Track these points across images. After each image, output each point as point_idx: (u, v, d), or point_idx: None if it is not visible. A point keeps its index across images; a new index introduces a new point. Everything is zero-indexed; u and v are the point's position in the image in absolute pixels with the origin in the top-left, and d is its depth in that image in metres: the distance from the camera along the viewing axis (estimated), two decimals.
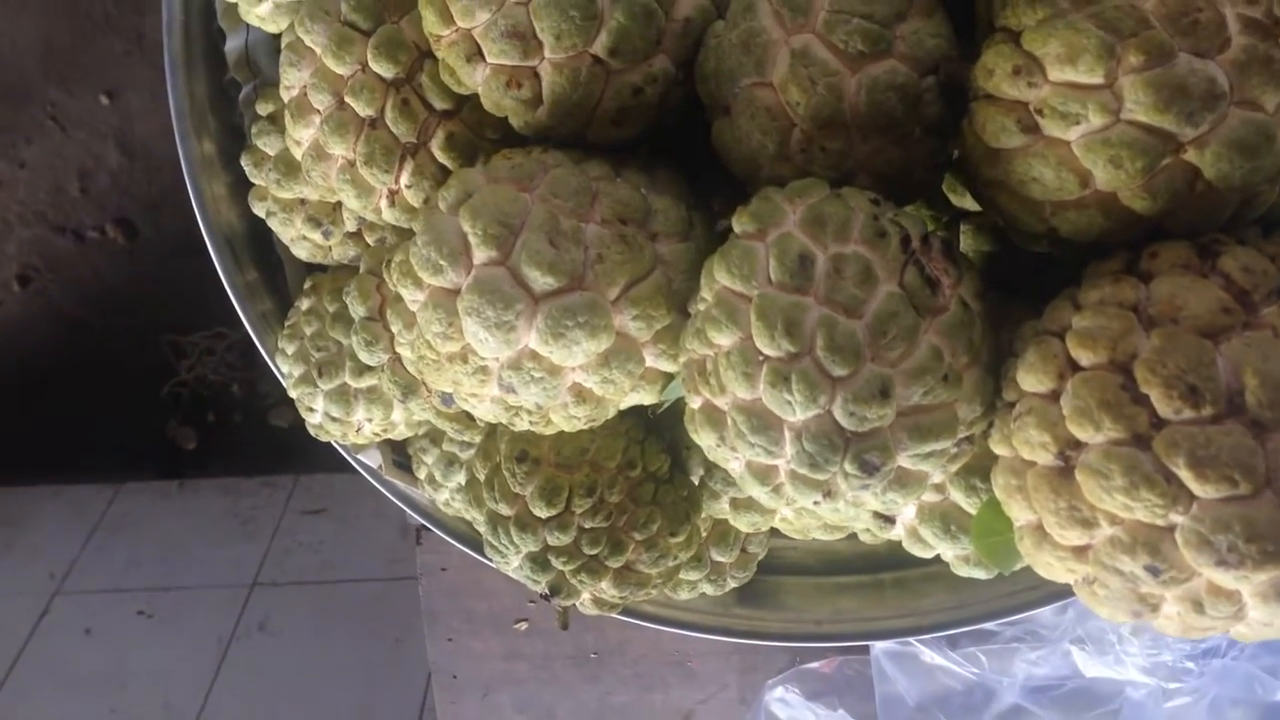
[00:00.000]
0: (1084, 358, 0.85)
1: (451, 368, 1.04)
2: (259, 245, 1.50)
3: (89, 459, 4.57)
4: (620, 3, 0.99)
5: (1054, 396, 0.87)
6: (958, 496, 1.08)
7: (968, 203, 1.16)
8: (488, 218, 0.98)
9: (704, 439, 0.98)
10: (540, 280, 0.97)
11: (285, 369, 1.45)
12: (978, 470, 1.05)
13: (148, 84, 4.00)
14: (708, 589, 1.49)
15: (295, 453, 4.27)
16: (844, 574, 1.58)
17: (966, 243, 1.19)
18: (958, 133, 0.99)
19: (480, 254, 0.99)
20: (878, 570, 1.56)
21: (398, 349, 1.11)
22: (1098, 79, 0.84)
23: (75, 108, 4.02)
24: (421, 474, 1.55)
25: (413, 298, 1.04)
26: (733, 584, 1.51)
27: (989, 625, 1.74)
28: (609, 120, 1.05)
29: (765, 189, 0.98)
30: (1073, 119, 0.85)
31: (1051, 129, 0.86)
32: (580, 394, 1.04)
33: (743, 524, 1.32)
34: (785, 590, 1.64)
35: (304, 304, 1.44)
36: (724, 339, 0.93)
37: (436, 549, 1.88)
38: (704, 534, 1.39)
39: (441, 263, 0.99)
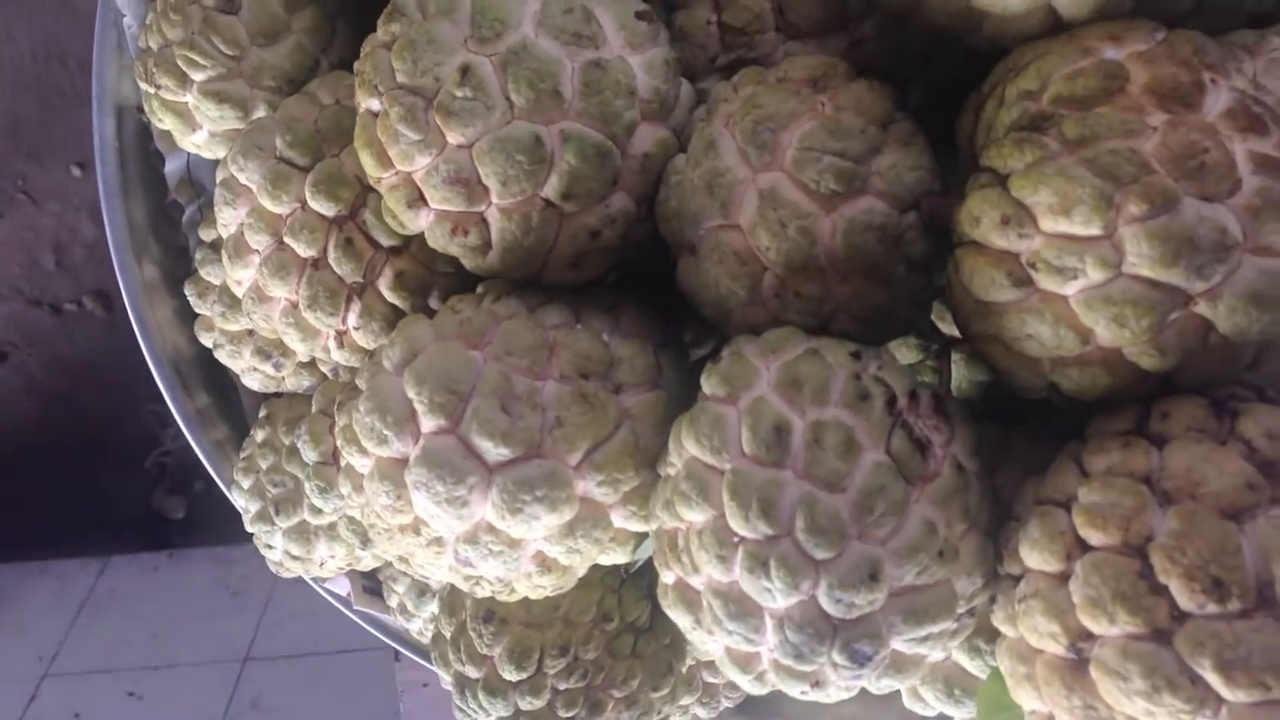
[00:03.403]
0: (1094, 537, 0.77)
1: (404, 538, 0.95)
2: (209, 369, 1.42)
3: (76, 533, 4.48)
4: (571, 143, 0.91)
5: (1062, 578, 0.78)
6: (961, 658, 0.99)
7: None
8: (434, 383, 0.90)
9: (679, 619, 0.89)
10: (493, 451, 0.89)
11: (241, 504, 1.36)
12: (982, 630, 0.96)
13: None
14: (701, 713, 1.40)
15: None
16: None
17: (959, 372, 1.11)
18: (945, 266, 0.91)
19: (428, 423, 0.90)
20: None
21: (348, 511, 1.02)
22: (1095, 230, 0.75)
23: (46, 180, 3.93)
24: (393, 602, 1.46)
25: (359, 465, 0.96)
26: (726, 704, 1.43)
27: None
28: (566, 264, 0.97)
29: (737, 340, 0.90)
30: (1069, 273, 0.77)
31: (1046, 283, 0.78)
32: (544, 563, 0.95)
33: None
34: (783, 697, 1.55)
35: (259, 435, 1.36)
36: (695, 516, 0.84)
37: (416, 665, 1.79)
38: (694, 659, 1.30)
39: (386, 433, 0.91)
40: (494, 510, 0.89)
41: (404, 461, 0.91)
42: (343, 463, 1.01)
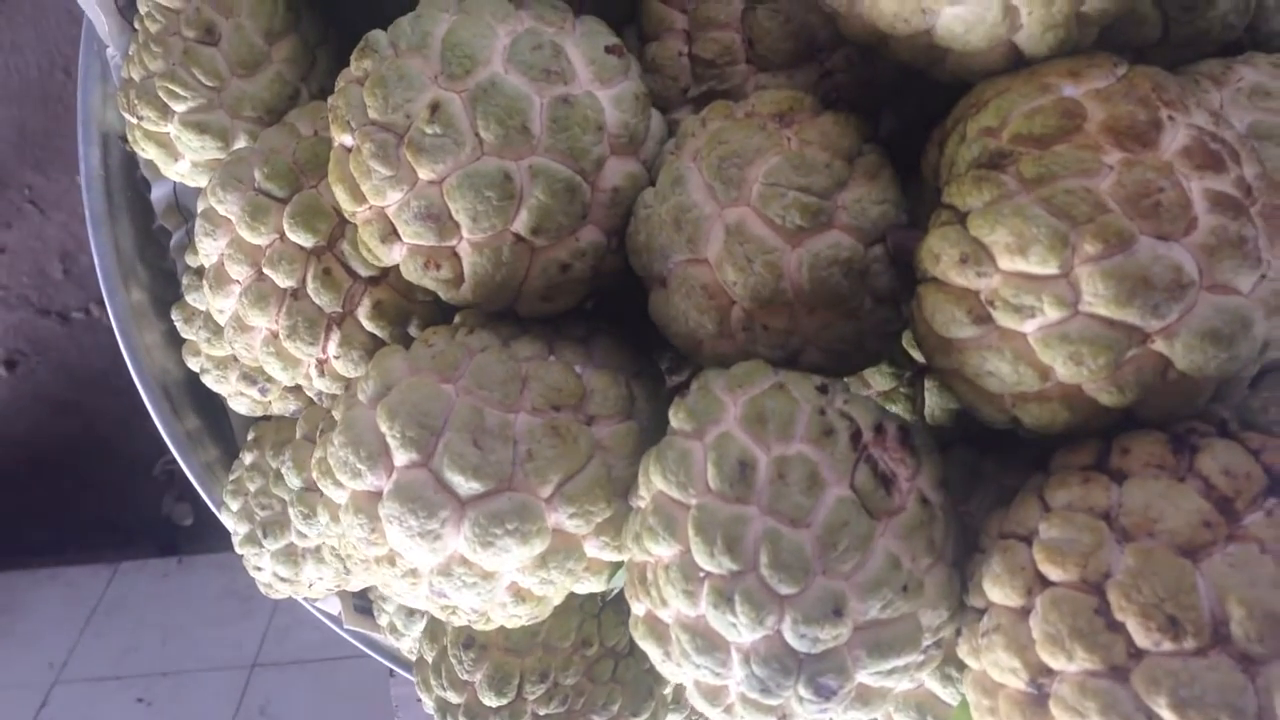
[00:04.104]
0: (1053, 573, 0.77)
1: (380, 569, 0.96)
2: (199, 391, 1.43)
3: (85, 540, 4.51)
4: (539, 179, 0.92)
5: (1023, 613, 0.79)
6: (933, 685, 0.99)
7: None
8: (406, 418, 0.91)
9: (649, 650, 0.90)
10: (465, 485, 0.90)
11: (230, 526, 1.37)
12: (953, 658, 0.96)
13: None
14: None
15: None
16: None
17: (933, 399, 1.11)
18: (912, 298, 0.91)
19: (400, 457, 0.91)
20: None
21: (326, 540, 1.03)
22: (1052, 269, 0.76)
23: (53, 190, 3.95)
24: (383, 621, 1.47)
25: (335, 496, 0.97)
26: None
27: None
28: (538, 296, 0.98)
29: (705, 375, 0.90)
30: (1027, 312, 0.77)
31: (1005, 321, 0.78)
32: (519, 594, 0.96)
33: None
34: None
35: (247, 458, 1.37)
36: (662, 550, 0.85)
37: (410, 681, 1.80)
38: None
39: (360, 466, 0.92)
40: (466, 543, 0.90)
41: (378, 495, 0.92)
42: (321, 493, 1.02)
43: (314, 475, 0.98)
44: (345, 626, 1.48)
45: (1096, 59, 0.84)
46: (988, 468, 1.02)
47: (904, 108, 1.05)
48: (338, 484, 0.95)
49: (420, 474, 0.91)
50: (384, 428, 0.91)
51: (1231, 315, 0.76)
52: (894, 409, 1.16)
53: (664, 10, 1.05)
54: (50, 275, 4.15)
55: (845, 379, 1.00)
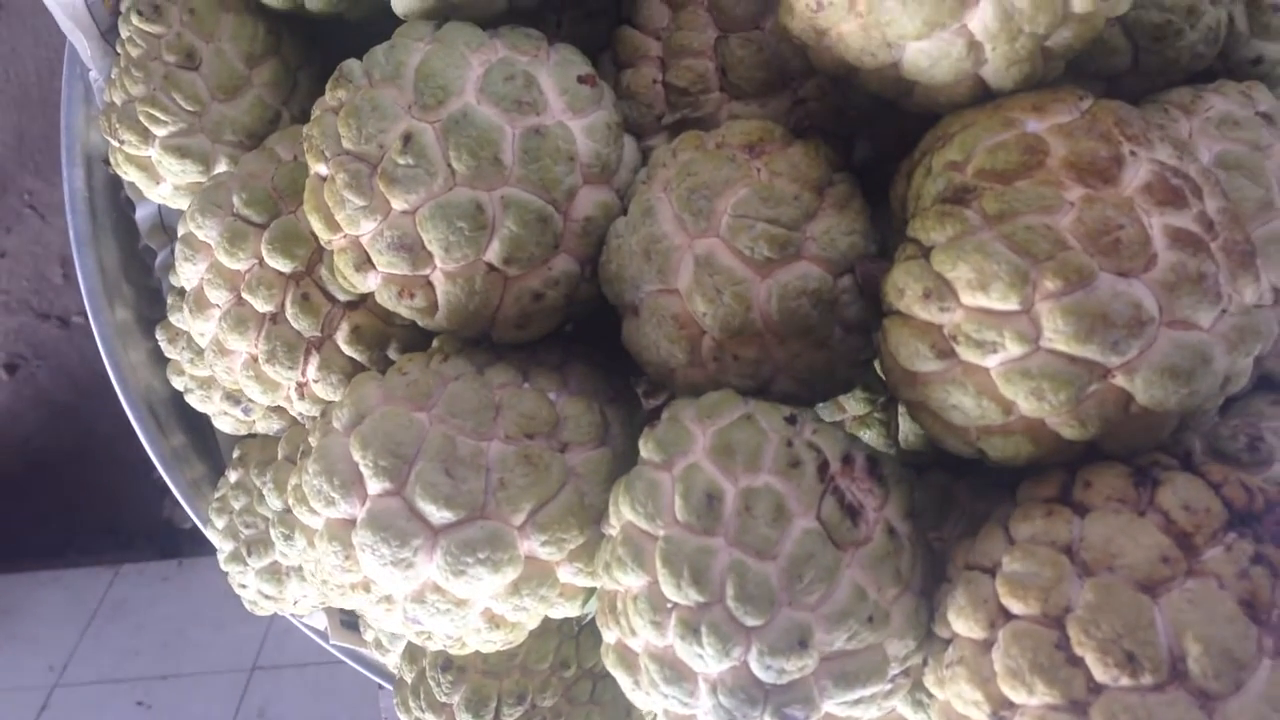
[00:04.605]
0: (1015, 606, 0.78)
1: (355, 595, 0.97)
2: (185, 408, 1.44)
3: (85, 542, 4.52)
4: (511, 210, 0.92)
5: (986, 646, 0.79)
6: (905, 710, 1.00)
7: None
8: (378, 447, 0.92)
9: (620, 678, 0.91)
10: (437, 514, 0.90)
11: (216, 543, 1.38)
12: (922, 684, 0.97)
13: None
14: None
15: None
16: None
17: (905, 424, 1.12)
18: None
19: (374, 485, 0.92)
20: None
21: (304, 563, 1.04)
22: (1013, 306, 0.76)
23: (52, 195, 3.97)
24: (369, 637, 1.48)
25: (310, 524, 0.97)
26: None
27: None
28: (512, 324, 0.98)
29: (674, 405, 0.91)
30: (989, 347, 0.78)
31: (968, 356, 0.79)
32: (493, 620, 0.97)
33: None
34: None
35: (232, 476, 1.38)
36: (631, 581, 0.86)
37: None
38: None
39: (334, 495, 0.93)
40: (439, 571, 0.91)
41: (351, 523, 0.93)
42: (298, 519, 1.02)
43: (290, 502, 0.98)
44: (332, 642, 1.49)
45: (1061, 93, 0.84)
46: (961, 492, 1.02)
47: (878, 134, 1.06)
48: (312, 511, 0.95)
49: (393, 503, 0.91)
50: (357, 456, 0.92)
51: (1191, 351, 0.76)
52: (868, 434, 1.16)
53: (639, 38, 1.05)
54: (50, 279, 4.16)
55: (819, 404, 1.00)
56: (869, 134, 1.06)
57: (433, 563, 0.91)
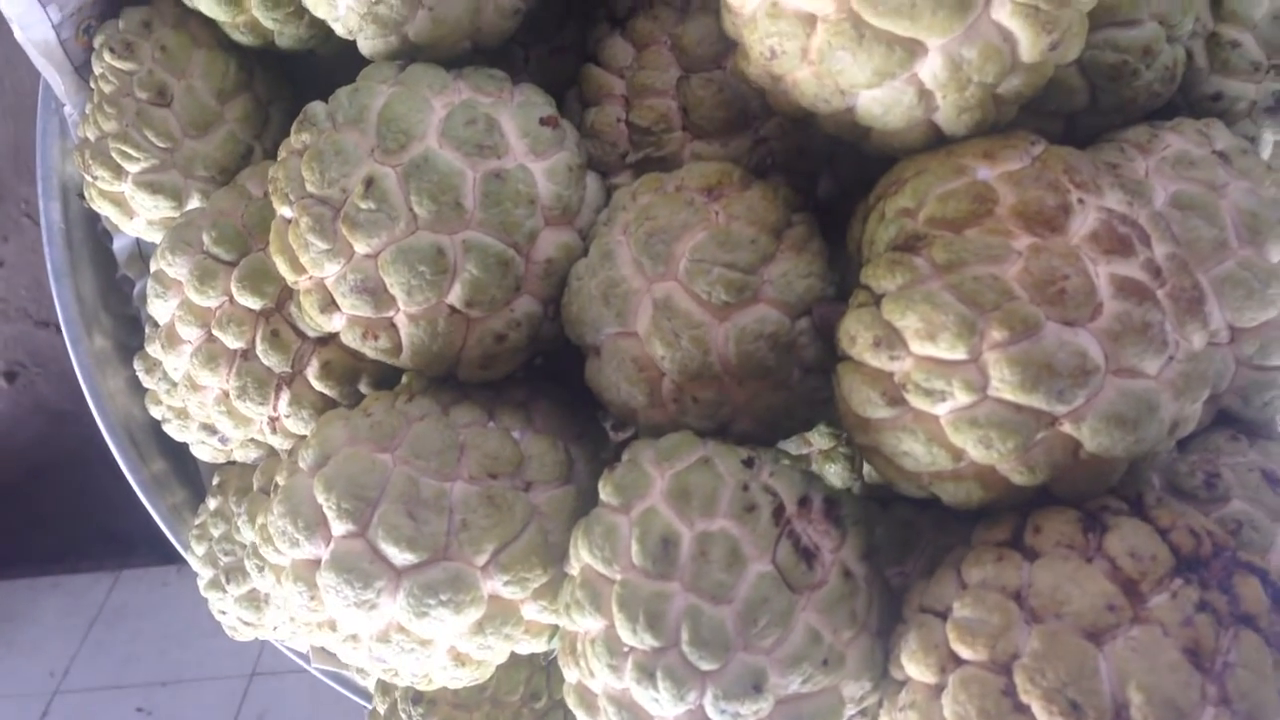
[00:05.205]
0: (964, 651, 0.79)
1: (321, 634, 0.98)
2: (165, 434, 1.44)
3: (85, 549, 4.53)
4: (473, 253, 0.93)
5: (936, 691, 0.80)
6: None
7: None
8: (342, 489, 0.93)
9: (580, 718, 0.91)
10: (399, 556, 0.91)
11: (196, 569, 1.39)
12: None
13: None
14: None
15: None
16: None
17: None
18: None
19: (338, 527, 0.93)
20: None
21: (274, 600, 1.05)
22: (960, 355, 0.77)
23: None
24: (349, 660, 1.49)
25: (276, 563, 0.98)
26: None
27: None
28: (476, 365, 0.99)
29: (634, 446, 0.92)
30: (938, 395, 0.78)
31: (918, 403, 0.80)
32: (459, 658, 0.98)
33: None
34: None
35: (211, 503, 1.39)
36: (589, 624, 0.87)
37: None
38: None
39: (298, 536, 0.94)
40: (403, 612, 0.92)
41: (316, 564, 0.94)
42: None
43: (257, 541, 0.99)
44: (314, 665, 1.50)
45: (1013, 139, 0.85)
46: (925, 525, 1.03)
47: (841, 170, 1.06)
48: (278, 551, 0.96)
49: (357, 544, 0.92)
50: (321, 498, 0.93)
51: (1137, 399, 0.77)
52: (833, 467, 1.17)
53: (603, 76, 1.06)
54: (48, 288, 4.16)
55: (781, 442, 1.01)
56: (832, 170, 1.06)
57: (396, 604, 0.92)
